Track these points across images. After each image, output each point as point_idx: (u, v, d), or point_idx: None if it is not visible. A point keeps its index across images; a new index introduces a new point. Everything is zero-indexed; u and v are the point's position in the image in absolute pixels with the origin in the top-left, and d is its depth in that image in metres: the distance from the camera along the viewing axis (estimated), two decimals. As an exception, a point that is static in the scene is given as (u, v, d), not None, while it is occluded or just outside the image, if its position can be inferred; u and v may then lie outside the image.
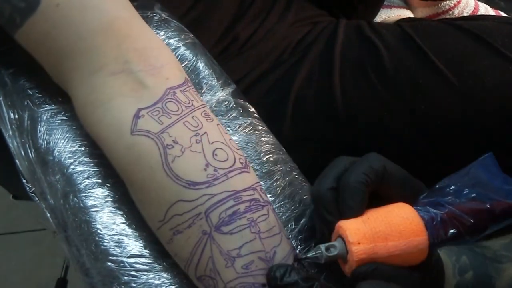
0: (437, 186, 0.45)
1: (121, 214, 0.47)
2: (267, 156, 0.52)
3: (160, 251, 0.45)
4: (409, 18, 0.84)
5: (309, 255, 0.41)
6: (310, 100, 0.66)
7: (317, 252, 0.41)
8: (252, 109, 0.56)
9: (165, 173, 0.42)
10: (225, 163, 0.44)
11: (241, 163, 0.45)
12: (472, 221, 0.43)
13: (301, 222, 0.49)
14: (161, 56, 0.47)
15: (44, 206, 0.49)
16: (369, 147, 0.64)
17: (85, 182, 0.48)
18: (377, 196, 0.45)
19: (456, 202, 0.43)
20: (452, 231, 0.43)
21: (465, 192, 0.44)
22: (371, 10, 0.82)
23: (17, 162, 0.51)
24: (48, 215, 0.49)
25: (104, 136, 0.45)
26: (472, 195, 0.44)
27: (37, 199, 0.50)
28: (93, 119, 0.46)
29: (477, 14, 0.89)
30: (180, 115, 0.44)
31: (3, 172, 0.79)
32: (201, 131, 0.44)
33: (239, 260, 0.41)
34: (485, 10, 0.90)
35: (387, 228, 0.41)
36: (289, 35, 0.72)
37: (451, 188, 0.44)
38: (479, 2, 0.91)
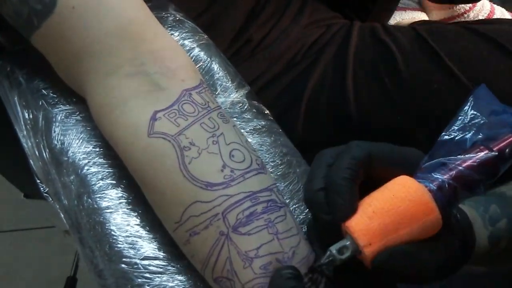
0: (438, 140, 0.42)
1: (135, 216, 0.47)
2: (282, 158, 0.52)
3: (174, 253, 0.45)
4: (424, 21, 0.84)
5: (322, 261, 0.40)
6: (322, 103, 0.66)
7: (329, 257, 0.39)
8: (267, 111, 0.55)
9: (182, 174, 0.42)
10: (242, 164, 0.44)
11: (258, 164, 0.45)
12: (483, 176, 0.40)
13: (316, 225, 0.49)
14: (177, 58, 0.47)
15: (58, 206, 0.49)
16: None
17: (99, 183, 0.48)
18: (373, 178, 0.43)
19: (460, 158, 0.40)
20: (462, 193, 0.40)
21: (468, 140, 0.41)
22: (385, 12, 0.82)
23: (31, 162, 0.51)
24: (62, 215, 0.49)
25: (120, 138, 0.45)
26: (477, 141, 0.41)
27: (51, 199, 0.50)
28: (109, 121, 0.46)
29: (493, 17, 0.88)
30: (197, 117, 0.44)
31: (15, 171, 0.79)
32: (218, 132, 0.44)
33: (257, 260, 0.41)
34: (501, 13, 0.89)
35: (395, 218, 0.39)
36: (303, 38, 0.72)
37: (454, 139, 0.41)
38: (495, 5, 0.90)
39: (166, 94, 0.45)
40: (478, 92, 0.43)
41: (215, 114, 0.45)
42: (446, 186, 0.39)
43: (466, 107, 0.42)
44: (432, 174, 0.40)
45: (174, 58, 0.47)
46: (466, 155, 0.40)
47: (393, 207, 0.39)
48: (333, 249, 0.39)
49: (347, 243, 0.39)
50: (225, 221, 0.41)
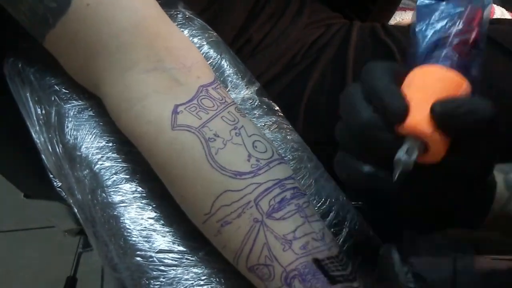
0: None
1: (149, 210, 0.47)
2: (293, 154, 0.53)
3: (189, 246, 0.46)
4: (425, 20, 0.84)
5: (397, 173, 0.37)
6: (322, 103, 0.66)
7: (400, 165, 0.36)
8: (277, 108, 0.56)
9: (209, 165, 0.43)
10: (265, 154, 0.44)
11: (278, 154, 0.46)
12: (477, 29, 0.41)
13: (328, 219, 0.49)
14: (191, 55, 0.48)
15: (71, 201, 0.49)
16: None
17: (113, 177, 0.48)
18: None
19: (449, 27, 0.40)
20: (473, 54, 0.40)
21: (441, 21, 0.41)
22: (386, 12, 0.82)
23: (44, 157, 0.51)
24: (76, 210, 0.49)
25: (143, 133, 0.45)
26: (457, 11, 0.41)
27: (64, 194, 0.50)
28: (129, 117, 0.46)
29: (493, 17, 0.88)
30: (217, 111, 0.45)
31: (15, 171, 0.79)
32: (239, 125, 0.45)
33: (296, 242, 0.42)
34: (501, 13, 0.90)
35: (439, 92, 0.38)
36: (302, 38, 0.72)
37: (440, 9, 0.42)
38: (495, 5, 0.91)
39: (184, 89, 0.45)
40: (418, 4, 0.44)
41: (232, 108, 0.46)
42: (454, 52, 0.40)
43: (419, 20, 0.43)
44: (433, 54, 0.40)
45: (189, 55, 0.48)
46: (451, 24, 0.41)
47: (430, 94, 0.38)
48: (401, 156, 0.37)
49: (409, 145, 0.37)
50: (258, 208, 0.42)
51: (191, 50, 0.49)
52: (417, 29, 0.43)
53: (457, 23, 0.41)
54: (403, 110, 0.37)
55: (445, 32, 0.41)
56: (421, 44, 0.42)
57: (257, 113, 0.54)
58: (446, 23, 0.42)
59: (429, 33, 0.42)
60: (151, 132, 0.45)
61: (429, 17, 0.43)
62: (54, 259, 1.35)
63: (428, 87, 0.38)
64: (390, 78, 0.39)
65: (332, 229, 0.49)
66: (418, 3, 0.45)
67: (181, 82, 0.46)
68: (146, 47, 0.46)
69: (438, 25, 0.42)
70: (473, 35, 0.41)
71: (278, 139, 0.53)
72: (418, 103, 0.38)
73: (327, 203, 0.50)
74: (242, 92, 0.55)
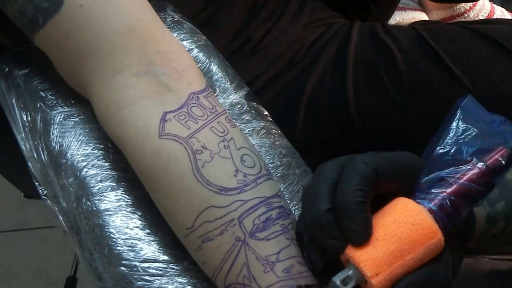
0: (434, 155, 0.41)
1: (134, 218, 0.47)
2: (281, 160, 0.52)
3: (174, 255, 0.45)
4: (424, 20, 0.84)
5: None
6: (322, 103, 0.65)
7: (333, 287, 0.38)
8: (266, 112, 0.55)
9: (195, 178, 0.42)
10: (253, 170, 0.43)
11: (266, 170, 0.44)
12: (482, 188, 0.39)
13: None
14: (183, 60, 0.47)
15: (56, 209, 0.49)
16: (382, 150, 0.63)
17: (98, 185, 0.48)
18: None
19: (459, 171, 0.39)
20: (464, 207, 0.39)
21: (464, 153, 0.40)
22: (386, 12, 0.82)
23: (30, 164, 0.51)
24: (61, 218, 0.49)
25: (130, 139, 0.44)
26: (472, 153, 0.40)
27: (49, 202, 0.50)
28: (116, 120, 0.45)
29: (493, 17, 0.88)
30: (206, 121, 0.44)
31: (15, 171, 0.79)
32: (228, 137, 0.44)
33: (279, 264, 0.40)
34: (501, 13, 0.89)
35: (400, 244, 0.38)
36: (302, 37, 0.71)
37: (449, 152, 0.40)
38: (495, 5, 0.90)
39: (174, 95, 0.44)
40: (465, 103, 0.43)
41: (223, 118, 0.45)
42: (448, 203, 0.39)
43: (456, 121, 0.42)
44: (432, 190, 0.39)
45: (181, 60, 0.47)
46: (463, 167, 0.40)
47: (396, 233, 0.38)
48: (337, 279, 0.37)
49: (350, 273, 0.38)
50: (241, 227, 0.41)
51: (184, 55, 0.48)
52: (452, 126, 0.42)
53: (475, 165, 0.40)
54: (361, 240, 0.37)
55: (457, 171, 0.40)
56: (437, 153, 0.41)
57: (246, 118, 0.54)
58: (469, 153, 0.40)
59: (450, 150, 0.41)
60: (137, 138, 0.44)
61: (470, 121, 0.42)
62: (54, 259, 1.35)
63: (399, 227, 0.38)
64: (365, 192, 0.38)
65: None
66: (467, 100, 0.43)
67: (172, 87, 0.45)
68: (138, 50, 0.45)
69: (459, 152, 0.41)
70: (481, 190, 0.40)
71: (267, 145, 0.53)
72: (380, 239, 0.38)
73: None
74: (230, 96, 0.55)
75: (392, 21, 0.87)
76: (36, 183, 0.51)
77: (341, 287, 0.37)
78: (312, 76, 0.67)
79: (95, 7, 0.45)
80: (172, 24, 0.57)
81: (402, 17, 0.88)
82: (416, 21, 0.76)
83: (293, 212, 0.44)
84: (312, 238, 0.40)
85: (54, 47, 0.47)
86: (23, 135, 0.51)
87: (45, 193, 0.50)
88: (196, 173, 0.42)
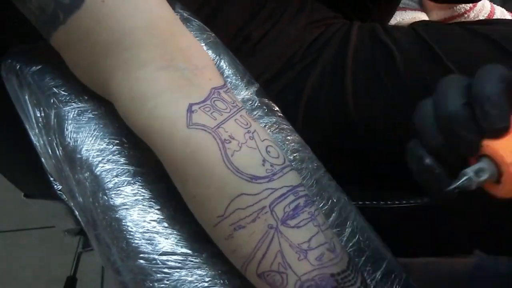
0: None
1: (151, 212, 0.47)
2: (294, 155, 0.53)
3: (192, 248, 0.46)
4: (424, 21, 0.84)
5: (458, 184, 0.36)
6: (322, 103, 0.66)
7: (465, 178, 0.36)
8: (276, 108, 0.56)
9: (225, 166, 0.42)
10: (278, 160, 0.44)
11: (288, 161, 0.45)
12: None
13: (330, 219, 0.50)
14: (202, 57, 0.48)
15: (72, 204, 0.49)
16: (381, 150, 0.64)
17: (114, 180, 0.48)
18: None
19: None
20: None
21: None
22: (386, 12, 0.83)
23: (43, 160, 0.51)
24: (77, 213, 0.49)
25: (157, 130, 0.44)
26: None
27: (65, 197, 0.50)
28: (141, 114, 0.45)
29: (493, 17, 0.89)
30: (230, 113, 0.45)
31: (15, 171, 0.79)
32: (252, 129, 0.44)
33: (311, 252, 0.41)
34: (501, 13, 0.90)
35: None
36: (302, 37, 0.72)
37: None
38: (495, 6, 0.91)
39: (197, 89, 0.45)
40: None
41: (244, 112, 0.46)
42: None
43: None
44: None
45: (200, 57, 0.47)
46: None
47: None
48: (470, 171, 0.36)
49: (483, 165, 0.36)
50: (273, 214, 0.41)
51: (203, 53, 0.49)
52: None
53: None
54: (503, 128, 0.36)
55: None
56: None
57: (257, 114, 0.54)
58: None
59: None
60: (165, 129, 0.44)
61: None
62: (54, 259, 1.34)
63: None
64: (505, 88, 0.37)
65: (335, 229, 0.49)
66: None
67: (194, 82, 0.45)
68: (160, 46, 0.45)
69: None
70: None
71: (279, 140, 0.53)
72: None
73: (329, 203, 0.51)
74: (241, 93, 0.55)
75: (392, 21, 0.88)
76: (51, 178, 0.51)
77: (474, 178, 0.36)
78: (311, 77, 0.67)
79: (117, 3, 0.45)
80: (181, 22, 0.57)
81: (402, 17, 0.89)
82: (416, 21, 0.77)
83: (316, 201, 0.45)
84: (447, 135, 0.38)
85: (73, 44, 0.47)
86: (37, 131, 0.51)
87: (60, 188, 0.50)
88: (226, 161, 0.42)
